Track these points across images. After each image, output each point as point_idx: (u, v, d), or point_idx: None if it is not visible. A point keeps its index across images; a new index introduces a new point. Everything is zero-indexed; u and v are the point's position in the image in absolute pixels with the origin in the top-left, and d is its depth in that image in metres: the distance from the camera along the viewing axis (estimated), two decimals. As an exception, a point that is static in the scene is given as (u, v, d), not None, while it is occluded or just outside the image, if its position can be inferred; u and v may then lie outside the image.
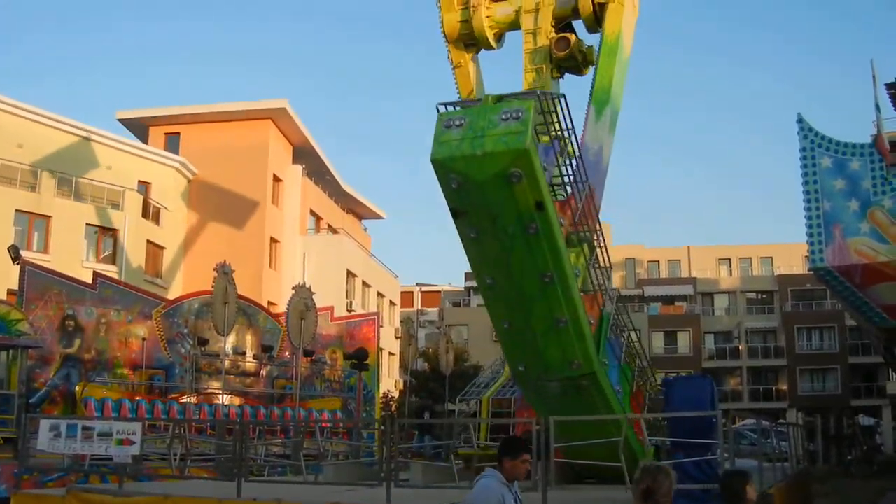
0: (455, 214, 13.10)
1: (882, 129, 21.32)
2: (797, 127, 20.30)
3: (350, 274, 47.02)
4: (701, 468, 12.59)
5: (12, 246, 24.97)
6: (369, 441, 23.96)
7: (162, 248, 39.39)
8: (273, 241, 43.29)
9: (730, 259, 75.18)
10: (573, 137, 13.88)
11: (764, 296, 71.09)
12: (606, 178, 17.79)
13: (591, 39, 18.70)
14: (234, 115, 42.80)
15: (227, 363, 25.94)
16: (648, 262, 76.06)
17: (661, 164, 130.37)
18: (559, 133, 13.52)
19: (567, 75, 18.68)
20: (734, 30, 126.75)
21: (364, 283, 49.45)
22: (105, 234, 36.09)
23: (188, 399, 24.60)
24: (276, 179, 44.19)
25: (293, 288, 27.07)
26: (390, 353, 50.54)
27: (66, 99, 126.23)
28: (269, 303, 37.76)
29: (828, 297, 59.98)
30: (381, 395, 39.64)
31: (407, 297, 72.63)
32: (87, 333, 24.60)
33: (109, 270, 32.77)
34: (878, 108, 21.54)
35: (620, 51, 17.84)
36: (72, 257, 33.10)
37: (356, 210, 56.80)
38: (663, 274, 75.35)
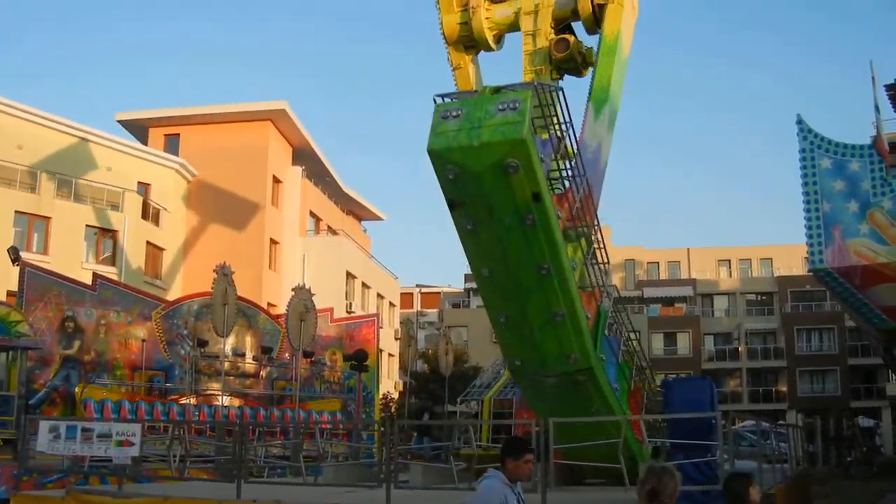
0: (452, 206, 13.06)
1: (881, 131, 21.33)
2: (797, 128, 20.32)
3: (350, 275, 47.03)
4: (700, 470, 12.59)
5: (12, 247, 24.98)
6: (369, 442, 23.97)
7: (161, 249, 39.40)
8: (273, 242, 43.30)
9: (729, 260, 75.19)
10: (571, 131, 13.88)
11: (763, 297, 71.09)
12: (605, 176, 17.77)
13: (590, 41, 18.71)
14: (234, 116, 42.81)
15: (226, 364, 25.95)
16: (648, 263, 76.06)
17: (661, 166, 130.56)
18: (556, 126, 13.52)
19: (566, 76, 18.68)
20: (733, 31, 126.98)
21: (364, 285, 49.46)
22: (105, 235, 36.09)
23: (188, 400, 24.59)
24: (276, 181, 44.20)
25: (293, 289, 27.08)
26: (390, 355, 50.54)
27: (66, 99, 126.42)
28: (269, 304, 37.76)
29: (827, 299, 59.97)
30: (380, 396, 39.65)
31: (406, 298, 72.66)
32: (87, 335, 24.61)
33: (109, 272, 32.77)
34: (877, 109, 21.57)
35: (619, 51, 17.84)
36: (71, 259, 33.11)
37: (356, 211, 56.82)
38: (663, 275, 75.35)
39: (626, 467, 12.74)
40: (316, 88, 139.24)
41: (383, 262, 60.37)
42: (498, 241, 13.08)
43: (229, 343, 26.35)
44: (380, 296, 52.30)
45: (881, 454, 53.88)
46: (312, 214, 48.36)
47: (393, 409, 41.70)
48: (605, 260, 15.76)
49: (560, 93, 13.60)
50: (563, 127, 13.62)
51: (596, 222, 15.43)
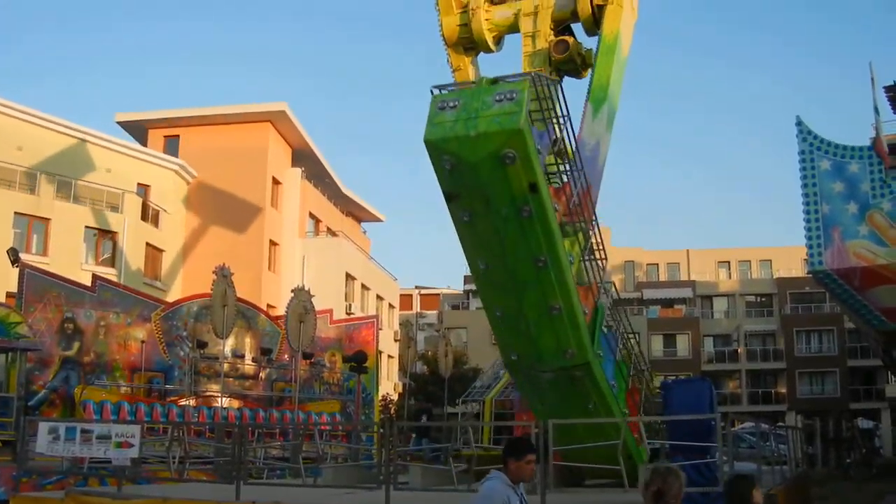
0: (448, 198, 13.02)
1: (881, 132, 21.36)
2: (796, 130, 20.34)
3: (349, 277, 47.04)
4: (700, 471, 12.58)
5: (11, 248, 24.98)
6: (368, 444, 23.96)
7: (161, 250, 39.40)
8: (272, 243, 43.30)
9: (729, 262, 75.22)
10: (569, 125, 13.88)
11: (763, 299, 71.13)
12: (603, 175, 17.76)
13: (590, 43, 18.71)
14: (234, 117, 42.83)
15: (226, 366, 25.95)
16: (647, 264, 76.09)
17: (660, 167, 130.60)
18: (554, 120, 13.50)
19: (566, 78, 18.68)
20: (733, 31, 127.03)
21: (363, 286, 49.48)
22: (104, 236, 36.08)
23: (187, 402, 24.59)
24: (276, 182, 44.21)
25: (292, 291, 27.08)
26: (389, 356, 50.55)
27: (65, 100, 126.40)
28: (269, 305, 37.75)
29: (827, 300, 59.99)
30: (380, 397, 39.64)
31: (406, 299, 72.66)
32: (87, 336, 24.61)
33: (108, 273, 32.77)
34: (876, 111, 21.59)
35: (618, 51, 17.85)
36: (71, 260, 33.12)
37: (355, 213, 56.83)
38: (662, 277, 75.38)
39: (625, 469, 12.73)
40: (315, 90, 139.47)
41: (383, 263, 60.42)
42: (495, 233, 13.01)
43: (229, 344, 26.36)
44: (379, 297, 52.31)
45: (880, 456, 53.90)
46: (312, 216, 48.37)
47: (392, 411, 41.69)
48: (603, 256, 15.73)
49: (558, 86, 13.59)
50: (561, 120, 13.62)
51: (594, 219, 15.41)
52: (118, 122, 43.88)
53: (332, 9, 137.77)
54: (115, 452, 13.75)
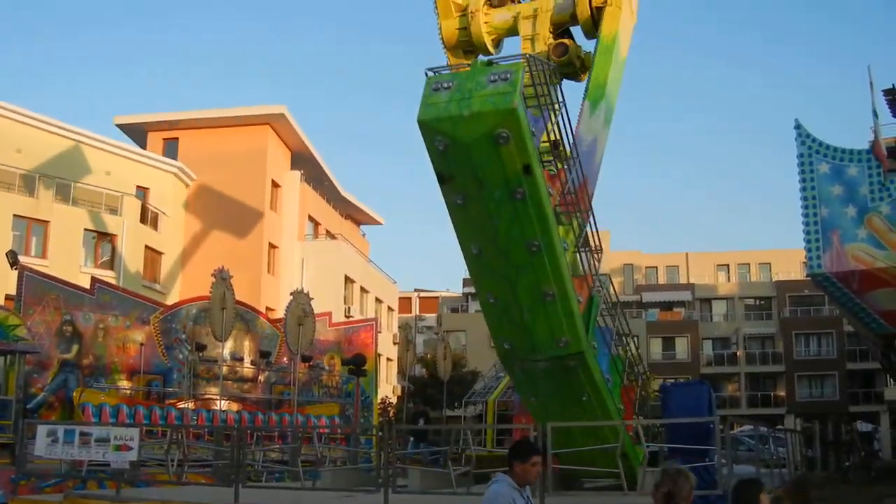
0: (441, 180, 12.98)
1: (879, 136, 21.41)
2: (795, 133, 20.36)
3: (348, 280, 47.04)
4: (699, 475, 12.54)
5: (10, 251, 24.97)
6: (367, 447, 23.94)
7: (160, 253, 39.38)
8: (271, 246, 43.29)
9: (728, 265, 75.21)
10: (564, 111, 13.89)
11: (762, 302, 71.12)
12: (600, 171, 17.77)
13: (589, 46, 18.76)
14: (233, 120, 42.84)
15: (224, 369, 25.92)
16: (646, 267, 76.08)
17: (659, 170, 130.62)
18: (549, 105, 13.51)
19: (565, 81, 18.71)
20: (732, 32, 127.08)
21: (362, 289, 49.46)
22: (103, 239, 36.06)
23: (186, 404, 24.57)
24: (275, 185, 44.22)
25: (291, 293, 27.06)
26: (388, 359, 50.51)
27: (64, 103, 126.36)
28: (268, 308, 37.74)
29: (826, 303, 59.97)
30: (379, 400, 39.61)
31: (405, 302, 72.59)
32: (85, 339, 24.59)
33: (107, 276, 32.76)
34: (875, 114, 21.64)
35: (617, 51, 17.89)
36: (70, 262, 33.09)
37: (354, 216, 56.83)
38: (661, 280, 75.38)
39: (622, 468, 12.73)
40: (314, 93, 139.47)
41: (382, 266, 60.44)
42: (488, 216, 12.96)
43: (227, 347, 26.34)
44: (378, 300, 52.30)
45: (879, 459, 53.83)
46: (311, 219, 48.36)
47: (391, 414, 41.67)
48: (598, 248, 15.69)
49: (554, 72, 13.60)
50: (556, 106, 13.64)
51: (590, 210, 15.39)
52: (117, 125, 43.89)
53: (332, 12, 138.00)
54: (114, 455, 13.74)
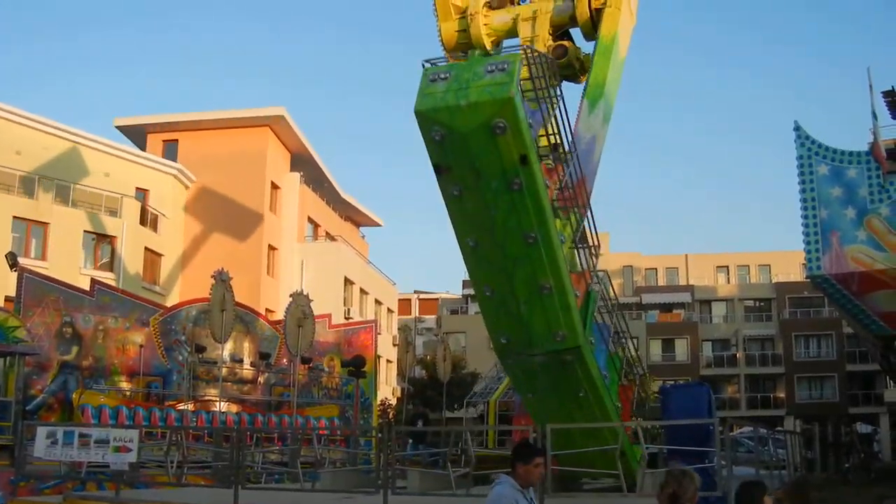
0: (438, 171, 12.96)
1: (879, 137, 21.43)
2: (794, 135, 20.36)
3: (348, 281, 47.05)
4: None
5: (10, 253, 24.95)
6: (366, 448, 23.95)
7: (160, 255, 39.38)
8: (271, 248, 43.30)
9: (727, 266, 75.23)
10: (562, 103, 13.91)
11: (762, 303, 71.12)
12: (598, 170, 17.79)
13: (588, 48, 18.79)
14: (232, 122, 42.87)
15: (224, 370, 25.91)
16: (646, 269, 76.09)
17: (659, 171, 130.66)
18: (547, 98, 13.53)
19: (564, 83, 18.74)
20: (731, 33, 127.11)
21: (362, 291, 49.48)
22: (103, 241, 36.06)
23: (185, 406, 24.57)
24: (274, 187, 44.24)
25: (291, 295, 27.04)
26: (388, 361, 50.52)
27: (64, 104, 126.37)
28: (267, 310, 37.75)
29: (825, 305, 59.96)
30: (378, 402, 39.62)
31: (405, 304, 72.61)
32: (85, 340, 24.59)
33: (107, 277, 32.76)
34: (874, 116, 21.65)
35: (616, 51, 17.92)
36: (69, 264, 33.09)
37: (354, 218, 56.85)
38: (661, 281, 75.38)
39: (622, 469, 12.74)
40: (314, 95, 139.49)
41: (381, 268, 60.43)
42: (485, 208, 12.95)
43: (227, 349, 26.33)
44: (378, 302, 52.30)
45: (879, 460, 53.81)
46: (311, 220, 48.38)
47: (391, 415, 41.67)
48: (596, 244, 15.68)
49: (553, 73, 13.63)
50: (553, 101, 13.66)
51: (588, 206, 15.39)
52: (117, 127, 43.91)
53: (332, 12, 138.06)
54: (113, 457, 13.75)
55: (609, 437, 13.65)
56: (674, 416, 14.46)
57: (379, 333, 37.18)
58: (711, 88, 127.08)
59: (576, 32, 19.27)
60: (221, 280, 23.72)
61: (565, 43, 18.43)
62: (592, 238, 15.42)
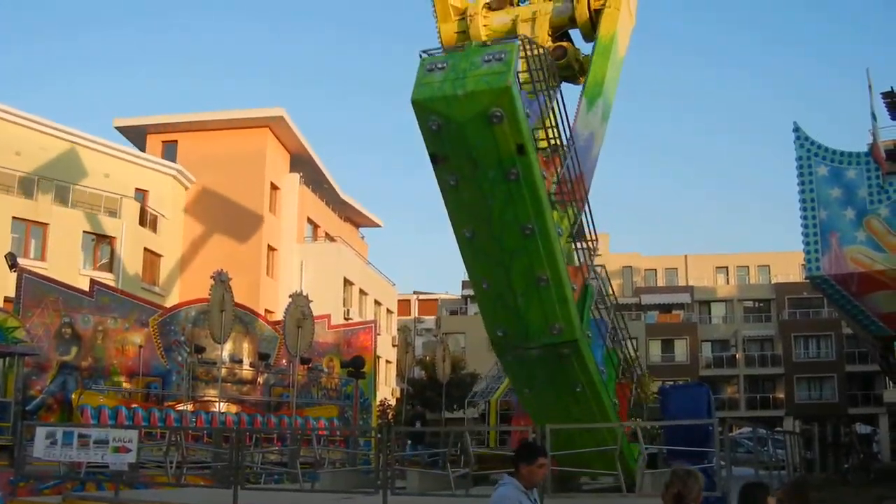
0: (435, 160, 12.95)
1: (878, 138, 21.42)
2: (793, 136, 20.36)
3: (347, 282, 47.05)
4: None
5: (9, 253, 24.95)
6: (366, 449, 23.95)
7: (159, 255, 39.39)
8: (270, 249, 43.30)
9: (727, 267, 75.25)
10: (559, 96, 13.90)
11: (761, 304, 71.15)
12: (596, 166, 17.79)
13: (587, 49, 18.80)
14: (232, 123, 42.87)
15: (223, 371, 25.93)
16: (646, 270, 76.10)
17: (658, 172, 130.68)
18: (545, 89, 13.53)
19: (563, 84, 18.76)
20: (731, 33, 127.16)
21: (361, 292, 49.49)
22: (102, 241, 36.07)
23: (185, 407, 24.56)
24: (274, 187, 44.24)
25: (290, 296, 27.04)
26: (387, 361, 50.53)
27: (63, 105, 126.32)
28: (266, 311, 37.74)
29: (825, 306, 60.01)
30: (377, 403, 39.63)
31: (404, 305, 72.65)
32: (84, 341, 24.59)
33: (106, 278, 32.76)
34: (874, 117, 21.65)
35: (615, 51, 17.94)
36: (69, 265, 33.09)
37: (353, 218, 56.85)
38: (660, 282, 75.40)
39: (621, 469, 12.75)
40: (314, 94, 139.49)
41: (381, 269, 60.50)
42: (482, 198, 12.93)
43: (226, 349, 26.34)
44: (377, 302, 52.31)
45: (878, 461, 53.81)
46: (310, 221, 48.39)
47: (390, 416, 41.69)
48: (593, 238, 15.67)
49: (552, 74, 13.64)
50: (552, 93, 13.68)
51: (586, 201, 15.39)
52: (116, 128, 43.90)
53: (332, 12, 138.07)
54: (113, 457, 13.75)
55: (607, 435, 13.64)
56: (673, 416, 14.48)
57: (378, 334, 37.20)
58: (711, 88, 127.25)
59: (575, 34, 19.28)
60: (221, 281, 23.73)
61: (565, 44, 18.44)
62: (590, 234, 15.42)
